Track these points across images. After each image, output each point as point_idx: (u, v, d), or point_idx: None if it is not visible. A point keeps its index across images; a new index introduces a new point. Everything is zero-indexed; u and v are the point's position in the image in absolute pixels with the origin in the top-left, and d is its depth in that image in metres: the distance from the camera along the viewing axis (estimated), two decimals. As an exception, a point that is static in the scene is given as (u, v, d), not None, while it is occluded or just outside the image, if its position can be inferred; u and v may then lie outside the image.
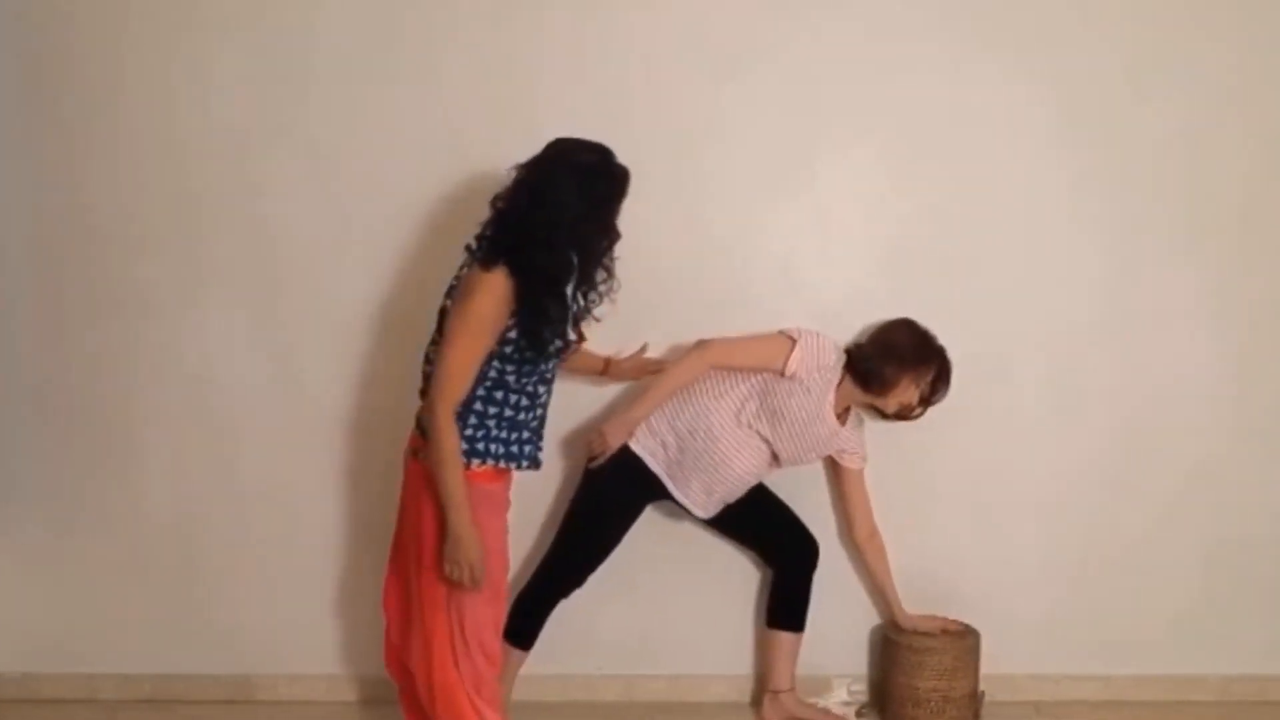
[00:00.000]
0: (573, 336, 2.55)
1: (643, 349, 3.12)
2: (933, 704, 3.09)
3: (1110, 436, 3.28)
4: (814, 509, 3.22)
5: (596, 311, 2.56)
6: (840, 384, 3.00)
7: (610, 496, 2.98)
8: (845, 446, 3.10)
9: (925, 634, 3.14)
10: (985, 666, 3.18)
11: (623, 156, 3.12)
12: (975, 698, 3.16)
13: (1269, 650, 3.33)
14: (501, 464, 2.50)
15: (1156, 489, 3.30)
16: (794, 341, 2.94)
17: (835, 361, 2.98)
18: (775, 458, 3.03)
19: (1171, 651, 3.33)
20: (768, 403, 2.96)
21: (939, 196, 3.22)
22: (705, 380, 2.99)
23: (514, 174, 2.48)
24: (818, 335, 2.97)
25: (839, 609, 3.26)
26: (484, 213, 2.76)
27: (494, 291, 2.35)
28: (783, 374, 2.93)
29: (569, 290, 2.44)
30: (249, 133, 3.20)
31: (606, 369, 3.07)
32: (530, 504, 3.08)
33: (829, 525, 3.27)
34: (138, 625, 3.34)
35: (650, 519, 3.24)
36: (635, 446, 2.97)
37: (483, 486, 2.47)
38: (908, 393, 2.99)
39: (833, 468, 3.20)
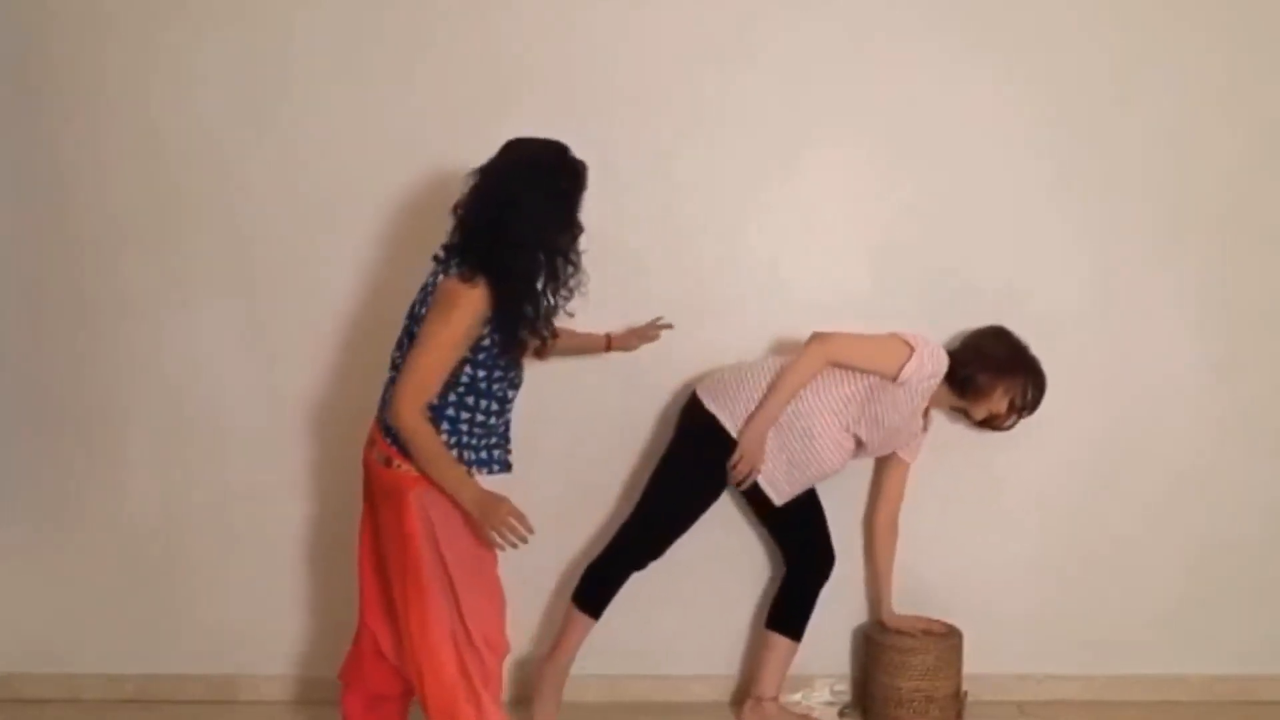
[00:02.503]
0: (546, 334, 2.55)
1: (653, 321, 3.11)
2: (915, 704, 3.09)
3: (1095, 437, 3.27)
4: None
5: (568, 307, 2.56)
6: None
7: (699, 469, 2.98)
8: (914, 439, 3.11)
9: (906, 633, 3.14)
10: (968, 666, 3.17)
11: (607, 157, 3.16)
12: (958, 697, 3.15)
13: (1252, 650, 3.33)
14: (474, 470, 2.53)
15: (1141, 489, 3.30)
16: (912, 349, 2.90)
17: (943, 369, 2.96)
18: (859, 448, 3.05)
19: (1155, 651, 3.33)
20: (870, 409, 2.95)
21: (925, 197, 3.21)
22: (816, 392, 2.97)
23: (472, 180, 2.48)
24: (929, 343, 2.94)
25: (823, 609, 3.22)
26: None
27: (475, 306, 2.37)
28: (894, 379, 2.91)
29: (540, 288, 2.45)
30: (230, 133, 3.20)
31: (609, 345, 3.08)
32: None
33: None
34: (121, 625, 3.34)
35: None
36: (731, 429, 2.94)
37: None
38: (999, 403, 3.02)
39: (881, 459, 3.20)
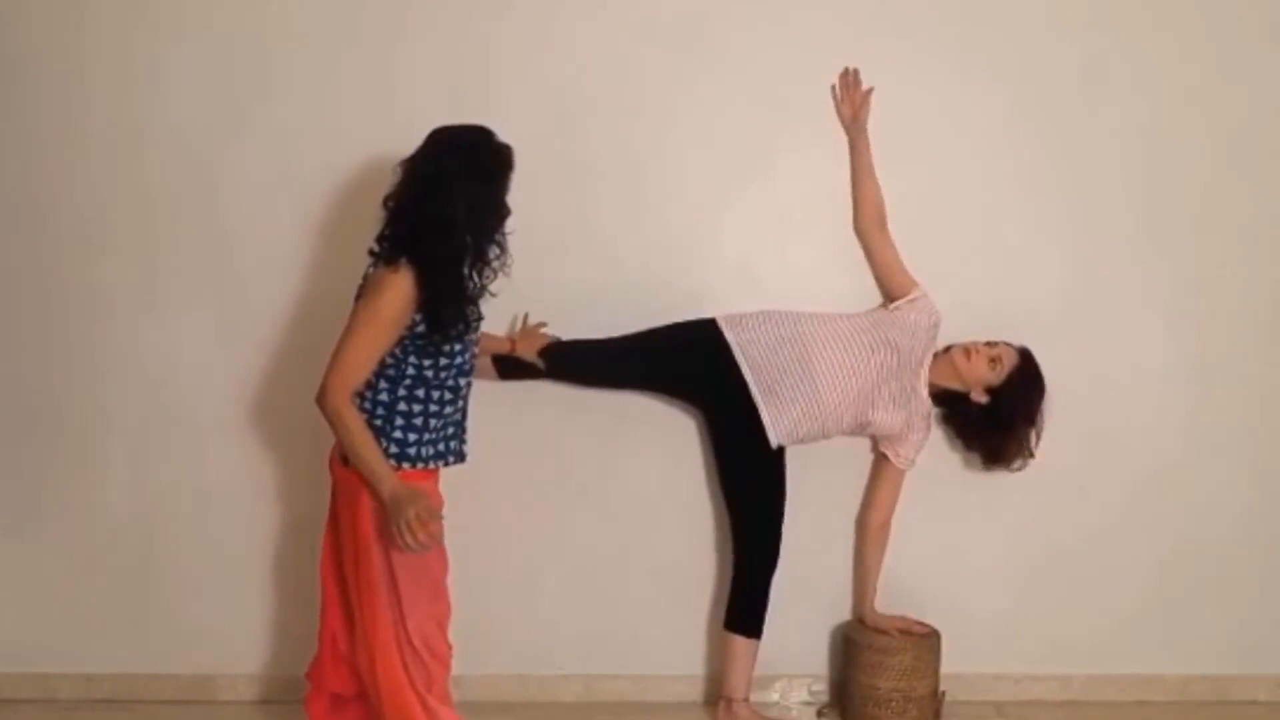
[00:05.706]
0: (472, 316, 2.51)
1: (540, 324, 3.12)
2: (893, 704, 3.10)
3: (1069, 436, 3.25)
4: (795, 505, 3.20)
5: (492, 287, 2.54)
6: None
7: (774, 481, 3.08)
8: (912, 435, 3.12)
9: (883, 633, 3.14)
10: (946, 666, 3.18)
11: (580, 154, 3.19)
12: (936, 698, 3.16)
13: (1227, 650, 3.34)
14: (431, 465, 2.51)
15: (1115, 489, 3.31)
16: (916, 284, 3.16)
17: (939, 321, 3.13)
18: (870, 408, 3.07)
19: (1130, 651, 3.34)
20: (881, 332, 3.06)
21: (897, 197, 3.21)
22: (823, 317, 3.10)
23: (400, 170, 2.48)
24: None
25: (801, 609, 3.26)
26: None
27: (399, 290, 2.37)
28: (906, 297, 3.13)
29: (466, 270, 2.45)
30: (207, 132, 3.19)
31: (514, 347, 3.06)
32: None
33: (796, 523, 3.23)
34: (97, 625, 3.33)
35: (617, 518, 3.28)
36: (738, 354, 3.02)
37: (416, 487, 2.46)
38: (977, 353, 3.07)
39: (877, 465, 3.23)
